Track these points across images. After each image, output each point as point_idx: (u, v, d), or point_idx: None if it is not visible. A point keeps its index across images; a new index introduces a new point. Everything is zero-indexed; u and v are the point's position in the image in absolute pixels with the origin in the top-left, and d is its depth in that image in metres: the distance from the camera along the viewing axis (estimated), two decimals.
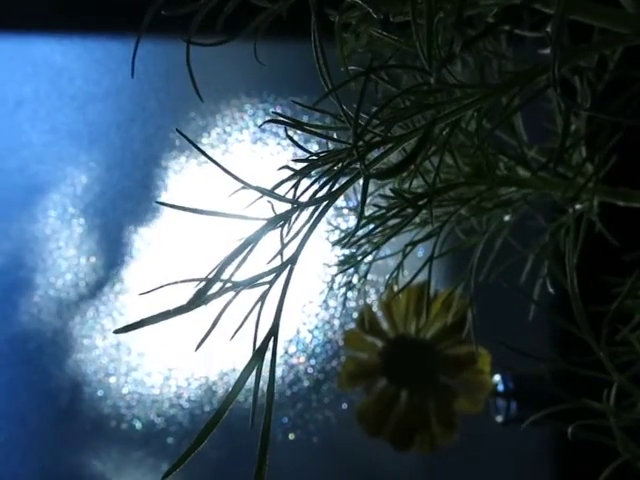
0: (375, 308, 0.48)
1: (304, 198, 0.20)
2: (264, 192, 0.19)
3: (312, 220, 0.18)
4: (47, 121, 0.86)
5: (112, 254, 0.86)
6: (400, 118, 0.19)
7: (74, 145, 0.86)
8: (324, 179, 0.20)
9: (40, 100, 0.87)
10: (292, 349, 0.86)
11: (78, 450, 0.85)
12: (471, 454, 0.77)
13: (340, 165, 0.19)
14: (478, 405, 0.44)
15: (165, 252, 0.85)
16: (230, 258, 0.17)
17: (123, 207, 0.86)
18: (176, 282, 0.18)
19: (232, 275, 0.18)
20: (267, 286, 0.18)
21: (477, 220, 0.26)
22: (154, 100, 0.86)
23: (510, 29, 0.21)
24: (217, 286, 0.18)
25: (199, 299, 0.16)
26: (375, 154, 0.20)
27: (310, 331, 0.85)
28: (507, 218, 0.26)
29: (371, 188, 0.26)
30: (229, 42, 0.23)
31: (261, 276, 0.18)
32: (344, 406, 0.82)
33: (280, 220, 0.18)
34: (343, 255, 0.30)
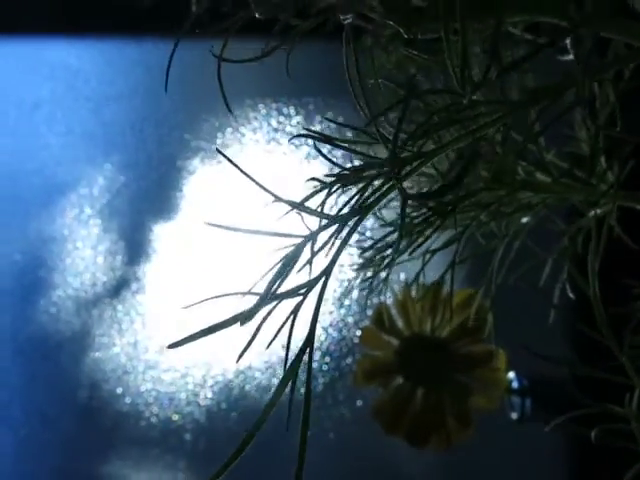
0: (391, 306, 0.49)
1: (330, 208, 0.20)
2: (295, 206, 0.20)
3: (345, 234, 0.19)
4: (63, 123, 0.88)
5: (129, 254, 0.87)
6: (431, 134, 0.19)
7: (90, 146, 0.87)
8: (354, 192, 0.20)
9: (56, 102, 0.88)
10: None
11: (96, 446, 0.86)
12: (486, 451, 0.78)
13: (378, 184, 0.19)
14: (493, 403, 0.44)
15: (181, 252, 0.86)
16: (277, 276, 0.18)
17: (139, 207, 0.87)
18: (220, 296, 0.18)
19: (271, 289, 0.18)
20: (301, 298, 0.18)
21: (496, 224, 0.26)
22: (168, 101, 0.87)
23: (533, 41, 0.22)
24: (255, 298, 0.18)
25: (252, 314, 0.17)
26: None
27: (324, 328, 0.86)
28: (525, 220, 0.27)
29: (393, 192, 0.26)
30: (259, 59, 0.23)
31: (298, 288, 0.18)
32: (359, 403, 0.83)
33: (314, 236, 0.19)
34: (362, 258, 0.31)
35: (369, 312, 0.87)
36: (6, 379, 0.87)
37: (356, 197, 0.20)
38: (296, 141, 0.86)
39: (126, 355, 0.86)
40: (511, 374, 0.58)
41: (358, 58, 0.21)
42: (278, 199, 0.20)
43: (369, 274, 0.30)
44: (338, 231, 0.19)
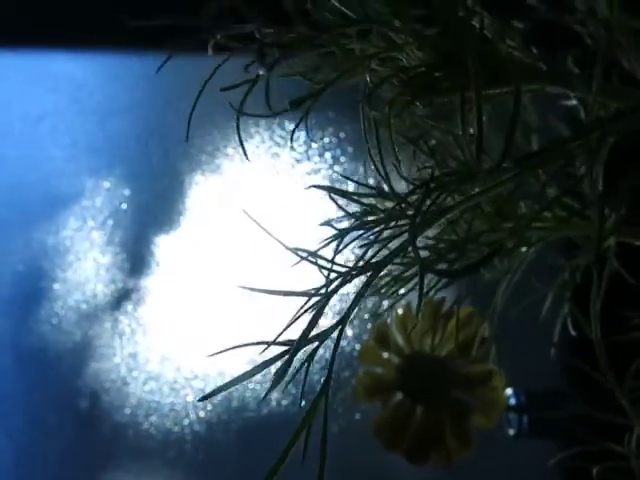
0: (390, 324, 0.50)
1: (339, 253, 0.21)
2: (311, 255, 0.20)
3: (361, 287, 0.20)
4: (67, 135, 0.88)
5: (130, 265, 0.88)
6: (444, 192, 0.20)
7: (94, 159, 0.88)
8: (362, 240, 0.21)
9: (60, 115, 0.89)
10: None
11: (96, 457, 0.86)
12: (482, 466, 0.78)
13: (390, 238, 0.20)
14: (492, 421, 0.45)
15: (183, 264, 0.87)
16: (308, 329, 0.19)
17: (142, 219, 0.88)
18: (241, 345, 0.19)
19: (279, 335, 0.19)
20: (317, 343, 0.19)
21: (499, 259, 0.27)
22: (172, 115, 0.88)
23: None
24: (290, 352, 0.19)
25: (286, 366, 0.18)
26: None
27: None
28: (525, 251, 0.27)
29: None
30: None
31: (314, 337, 0.19)
32: (357, 416, 0.83)
33: (332, 294, 0.19)
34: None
35: (368, 325, 0.88)
36: (7, 388, 0.87)
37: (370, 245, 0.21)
38: (298, 155, 0.87)
39: (126, 366, 0.87)
40: (509, 390, 0.58)
41: (375, 119, 0.22)
42: (296, 254, 0.20)
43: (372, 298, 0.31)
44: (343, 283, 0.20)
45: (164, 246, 0.88)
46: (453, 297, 0.45)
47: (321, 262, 0.21)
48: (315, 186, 0.24)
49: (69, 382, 0.86)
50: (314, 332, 0.20)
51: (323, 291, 0.20)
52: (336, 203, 0.24)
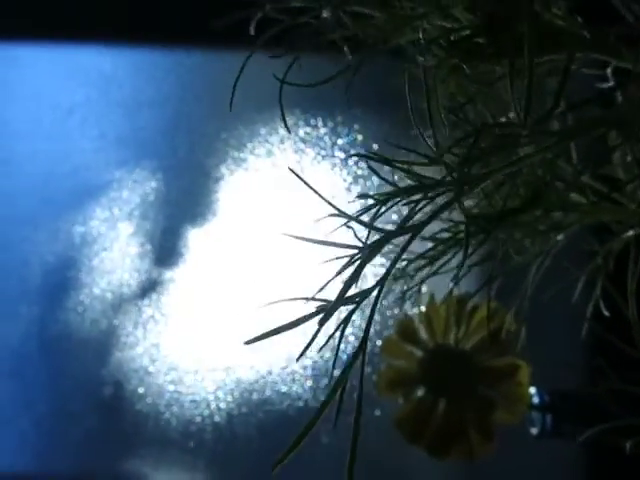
0: (414, 317, 0.50)
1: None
2: (352, 218, 0.21)
3: (400, 249, 0.20)
4: (96, 127, 0.90)
5: (156, 257, 0.89)
6: (489, 159, 0.20)
7: (122, 151, 0.89)
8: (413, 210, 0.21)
9: (90, 107, 0.90)
10: (327, 355, 0.88)
11: (118, 445, 0.88)
12: (504, 465, 0.78)
13: (440, 204, 0.20)
14: (516, 417, 0.45)
15: (208, 256, 0.88)
16: (349, 282, 0.19)
17: (168, 211, 0.89)
18: (284, 300, 0.20)
19: (314, 294, 0.19)
20: (354, 305, 0.20)
21: (530, 242, 0.27)
22: (199, 108, 0.88)
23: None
24: (315, 304, 0.20)
25: (326, 318, 0.18)
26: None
27: (345, 337, 0.87)
28: (559, 238, 0.28)
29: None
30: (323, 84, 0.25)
31: (353, 297, 0.19)
32: (377, 412, 0.84)
33: (375, 247, 0.20)
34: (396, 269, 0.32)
35: (390, 322, 0.88)
36: (32, 375, 0.89)
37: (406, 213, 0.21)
38: (323, 152, 0.87)
39: (149, 356, 0.88)
40: (532, 389, 0.58)
41: (414, 85, 0.22)
42: (338, 211, 0.21)
43: (399, 285, 0.31)
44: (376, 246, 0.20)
45: (190, 238, 0.89)
46: (485, 297, 0.45)
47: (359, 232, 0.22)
48: (355, 154, 0.24)
49: (93, 370, 0.88)
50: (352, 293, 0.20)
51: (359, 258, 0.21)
52: (375, 172, 0.24)
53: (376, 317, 0.78)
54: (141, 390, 0.87)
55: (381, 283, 0.20)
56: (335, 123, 0.86)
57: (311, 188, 0.21)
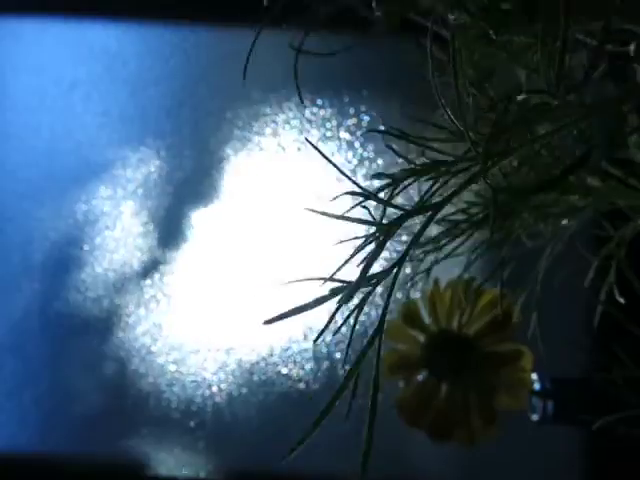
0: (418, 301, 0.49)
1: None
2: (370, 197, 0.20)
3: (419, 227, 0.19)
4: (100, 104, 0.89)
5: (158, 236, 0.88)
6: (514, 134, 0.19)
7: (125, 128, 0.89)
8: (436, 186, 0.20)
9: (93, 83, 0.89)
10: (328, 338, 0.88)
11: (118, 424, 0.88)
12: (504, 451, 0.78)
13: (465, 178, 0.20)
14: (519, 402, 0.44)
15: (211, 235, 0.88)
16: (370, 261, 0.18)
17: (171, 190, 0.89)
18: (305, 279, 0.19)
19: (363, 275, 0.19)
20: (370, 288, 0.19)
21: (544, 226, 0.27)
22: (204, 87, 0.87)
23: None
24: (332, 284, 0.19)
25: (348, 297, 0.18)
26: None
27: (346, 321, 0.86)
28: (572, 222, 0.27)
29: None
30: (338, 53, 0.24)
31: (371, 277, 0.19)
32: (380, 397, 0.83)
33: (395, 225, 0.19)
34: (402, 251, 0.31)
35: (393, 307, 0.88)
36: (34, 354, 0.89)
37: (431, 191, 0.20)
38: (328, 133, 0.86)
39: (151, 336, 0.88)
40: (534, 375, 0.57)
41: (427, 56, 0.21)
42: (358, 187, 0.20)
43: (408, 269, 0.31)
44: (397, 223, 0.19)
45: (193, 217, 0.88)
46: (493, 281, 0.44)
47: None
48: (373, 130, 0.24)
49: (95, 349, 0.88)
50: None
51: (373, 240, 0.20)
52: (392, 149, 0.24)
53: (379, 301, 0.77)
54: (142, 369, 0.87)
55: (399, 264, 0.19)
56: (341, 103, 0.85)
57: (329, 160, 0.21)
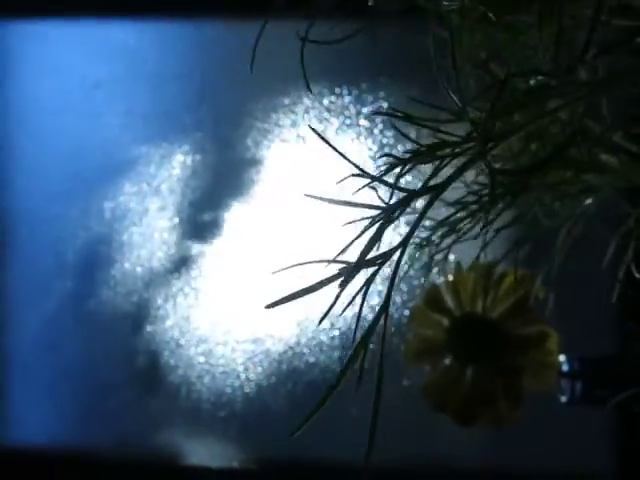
0: (441, 286, 0.49)
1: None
2: (375, 179, 0.20)
3: (423, 208, 0.19)
4: (122, 102, 0.90)
5: (184, 230, 0.90)
6: (515, 111, 0.19)
7: (148, 125, 0.90)
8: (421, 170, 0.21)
9: (116, 82, 0.90)
10: (353, 326, 0.88)
11: (150, 416, 0.89)
12: (534, 432, 0.78)
13: (464, 159, 0.20)
14: (546, 384, 0.44)
15: (236, 229, 0.88)
16: (370, 243, 0.19)
17: (195, 185, 0.90)
18: (305, 263, 0.20)
19: (364, 256, 0.19)
20: (376, 267, 0.19)
21: (560, 205, 0.27)
22: (224, 81, 0.88)
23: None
24: (338, 266, 0.19)
25: (348, 278, 0.18)
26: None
27: (372, 307, 0.87)
28: (589, 202, 0.27)
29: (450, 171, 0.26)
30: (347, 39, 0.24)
31: (375, 258, 0.19)
32: (405, 382, 0.84)
33: (397, 208, 0.19)
34: (419, 237, 0.31)
35: (417, 292, 0.88)
36: (68, 350, 0.91)
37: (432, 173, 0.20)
38: (347, 120, 0.86)
39: (179, 329, 0.89)
40: (562, 357, 0.57)
41: (438, 39, 0.21)
42: (361, 171, 0.20)
43: (425, 254, 0.31)
44: (406, 206, 0.20)
45: (218, 211, 0.89)
46: (508, 261, 0.44)
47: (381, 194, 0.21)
48: (376, 112, 0.24)
49: (125, 343, 0.89)
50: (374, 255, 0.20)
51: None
52: (398, 130, 0.24)
53: (403, 287, 0.77)
54: (172, 362, 0.89)
55: (403, 244, 0.19)
56: (360, 91, 0.85)
57: (331, 146, 0.21)
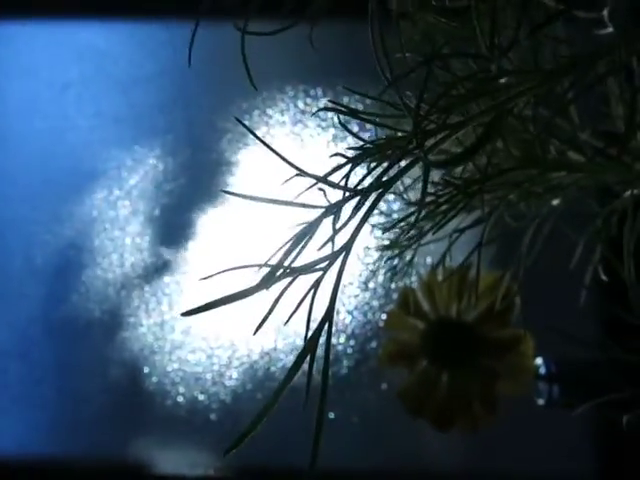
0: (416, 289, 0.48)
1: (349, 186, 0.20)
2: (319, 179, 0.19)
3: (367, 208, 0.18)
4: (92, 104, 0.88)
5: (156, 235, 0.88)
6: (458, 105, 0.19)
7: (119, 128, 0.88)
8: (374, 166, 0.20)
9: (85, 84, 0.88)
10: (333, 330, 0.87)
11: (124, 424, 0.88)
12: (511, 435, 0.77)
13: (399, 153, 0.19)
14: (522, 388, 0.44)
15: (207, 233, 0.87)
16: (294, 245, 0.18)
17: (167, 188, 0.88)
18: (237, 267, 0.18)
19: (291, 262, 0.18)
20: (321, 272, 0.18)
21: (526, 205, 0.26)
22: (195, 83, 0.87)
23: (568, 10, 0.21)
24: (276, 272, 0.18)
25: (266, 284, 0.17)
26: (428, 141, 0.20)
27: (349, 312, 0.86)
28: (556, 202, 0.26)
29: (417, 173, 0.26)
30: (284, 30, 0.23)
31: (317, 263, 0.18)
32: (383, 386, 0.83)
33: (336, 208, 0.18)
34: (386, 239, 0.30)
35: (394, 296, 0.87)
36: (38, 357, 0.89)
37: (375, 172, 0.20)
38: (323, 123, 0.85)
39: (153, 335, 0.87)
40: (538, 360, 0.57)
41: (384, 31, 0.20)
42: (301, 172, 0.19)
43: (394, 255, 0.30)
44: (359, 205, 0.19)
45: (190, 215, 0.87)
46: (482, 265, 0.43)
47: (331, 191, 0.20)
48: (325, 109, 0.23)
49: (98, 351, 0.87)
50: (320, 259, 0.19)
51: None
52: (344, 126, 0.23)
53: (380, 291, 0.76)
54: (146, 369, 0.87)
55: (348, 246, 0.18)
56: (335, 93, 0.84)
57: (273, 150, 0.20)
